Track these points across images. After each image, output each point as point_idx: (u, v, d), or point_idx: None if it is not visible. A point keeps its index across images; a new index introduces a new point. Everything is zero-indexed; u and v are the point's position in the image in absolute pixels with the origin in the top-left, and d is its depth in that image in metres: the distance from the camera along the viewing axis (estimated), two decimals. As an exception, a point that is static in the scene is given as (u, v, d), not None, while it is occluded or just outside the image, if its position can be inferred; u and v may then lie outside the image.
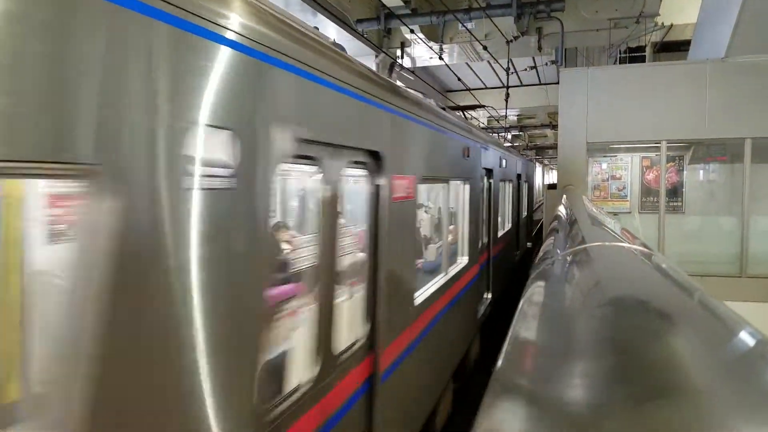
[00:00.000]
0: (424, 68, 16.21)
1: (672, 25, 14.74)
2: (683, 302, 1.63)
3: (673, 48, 15.97)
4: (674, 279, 1.87)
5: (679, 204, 10.87)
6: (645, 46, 14.74)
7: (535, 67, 18.31)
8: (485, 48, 12.65)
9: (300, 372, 3.18)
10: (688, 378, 0.96)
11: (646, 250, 2.47)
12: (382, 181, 4.10)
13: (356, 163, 3.75)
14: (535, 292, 2.01)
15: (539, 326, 1.54)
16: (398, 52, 13.33)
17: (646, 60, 14.89)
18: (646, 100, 9.91)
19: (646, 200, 11.38)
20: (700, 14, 11.41)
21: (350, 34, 11.40)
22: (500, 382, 1.10)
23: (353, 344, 3.75)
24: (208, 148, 2.12)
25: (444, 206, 6.93)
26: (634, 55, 15.52)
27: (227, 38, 2.24)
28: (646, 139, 10.29)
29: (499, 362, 1.21)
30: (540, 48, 12.58)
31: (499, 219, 10.70)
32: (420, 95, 5.72)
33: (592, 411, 0.85)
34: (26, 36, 1.49)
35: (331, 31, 11.16)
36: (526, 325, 1.56)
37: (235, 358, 2.29)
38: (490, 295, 9.52)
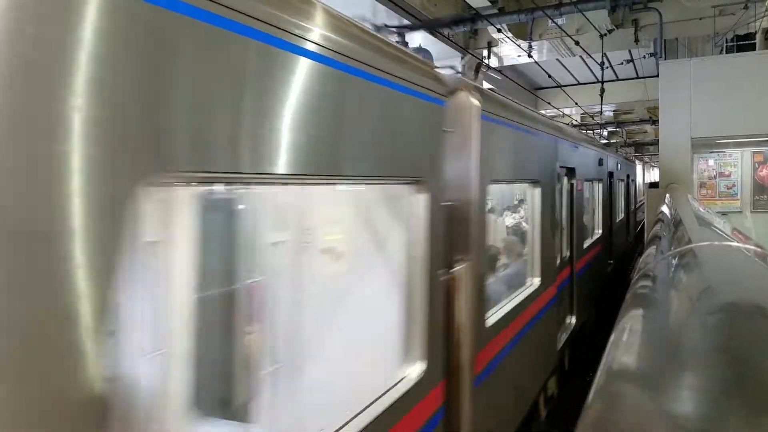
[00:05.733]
0: (512, 67, 15.89)
1: (786, 8, 13.57)
2: None
3: (788, 33, 14.70)
4: (795, 282, 1.75)
5: (798, 202, 10.01)
6: (755, 33, 13.64)
7: (631, 60, 17.43)
8: (577, 43, 12.22)
9: (561, 256, 7.06)
10: None
11: (760, 250, 2.30)
12: (574, 182, 7.90)
13: (567, 174, 7.47)
14: (638, 296, 1.92)
15: (645, 333, 1.47)
16: (485, 53, 13.16)
17: (757, 48, 13.78)
18: (757, 90, 9.20)
19: (759, 198, 10.58)
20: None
21: (435, 37, 11.39)
22: (604, 391, 1.05)
23: (566, 256, 7.42)
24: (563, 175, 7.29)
25: (591, 198, 10.40)
26: (742, 44, 14.41)
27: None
28: (758, 132, 9.55)
29: (602, 370, 1.16)
30: (637, 40, 11.95)
31: (617, 207, 14.44)
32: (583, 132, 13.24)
33: (705, 424, 0.80)
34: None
35: (416, 35, 11.21)
36: (630, 333, 1.49)
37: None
38: (611, 261, 12.85)
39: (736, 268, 2.00)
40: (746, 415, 0.79)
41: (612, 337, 1.45)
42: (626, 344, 1.39)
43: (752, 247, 2.31)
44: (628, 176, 16.98)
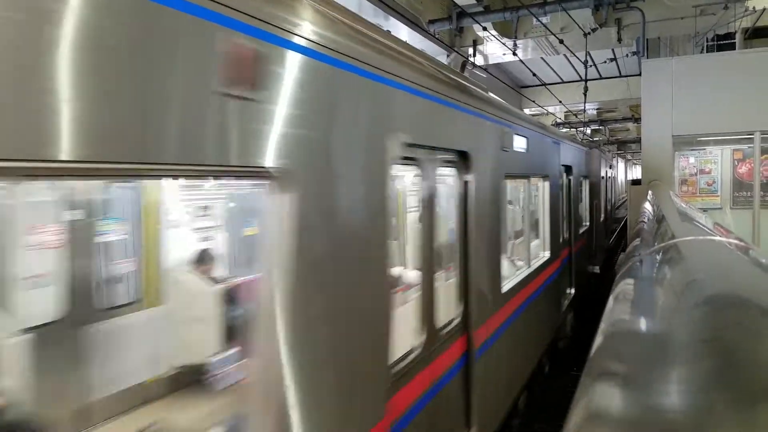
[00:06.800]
0: (497, 65, 15.97)
1: (765, 9, 13.77)
2: None
3: (766, 33, 14.95)
4: (775, 275, 1.77)
5: (776, 199, 10.17)
6: (735, 32, 13.84)
7: (614, 59, 17.61)
8: (561, 42, 12.32)
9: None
10: None
11: (742, 243, 2.34)
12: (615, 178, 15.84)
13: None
14: (623, 291, 1.93)
15: (631, 327, 1.47)
16: (470, 51, 13.20)
17: (736, 47, 13.99)
18: (737, 89, 9.34)
19: (738, 195, 10.75)
20: (798, -5, 10.60)
21: (421, 34, 11.39)
22: (592, 385, 1.04)
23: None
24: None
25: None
26: (722, 43, 14.63)
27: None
28: (737, 130, 9.70)
29: (590, 365, 1.15)
30: (620, 39, 12.09)
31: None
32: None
33: (692, 416, 0.80)
34: None
35: (402, 33, 11.19)
36: (616, 327, 1.50)
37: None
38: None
39: (719, 262, 2.03)
40: (733, 405, 0.80)
41: (598, 332, 1.45)
42: (613, 339, 1.38)
43: (734, 241, 2.35)
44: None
